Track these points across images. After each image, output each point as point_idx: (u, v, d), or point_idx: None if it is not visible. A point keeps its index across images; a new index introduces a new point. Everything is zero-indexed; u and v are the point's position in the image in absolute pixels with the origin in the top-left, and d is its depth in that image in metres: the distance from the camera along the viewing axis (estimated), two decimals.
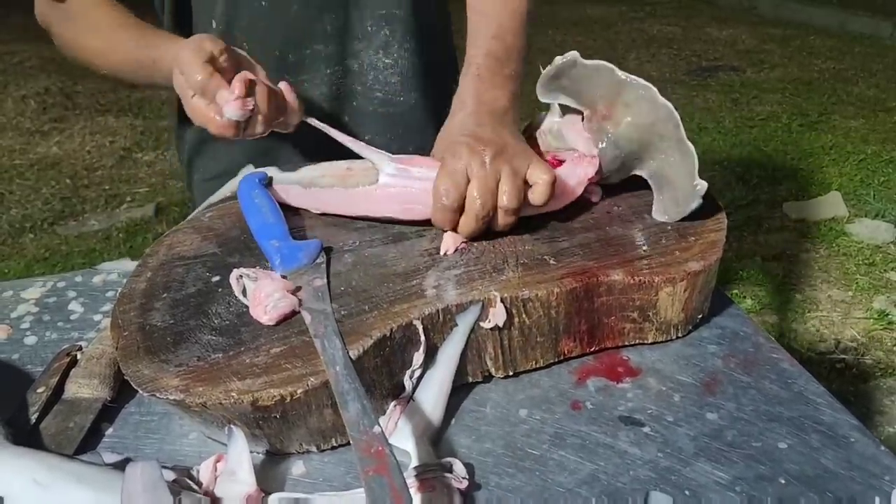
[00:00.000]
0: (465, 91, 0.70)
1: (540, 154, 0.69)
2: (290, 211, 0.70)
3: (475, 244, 0.64)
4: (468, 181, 0.61)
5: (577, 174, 0.67)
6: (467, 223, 0.62)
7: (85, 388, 0.58)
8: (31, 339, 0.68)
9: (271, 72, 0.73)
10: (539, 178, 0.62)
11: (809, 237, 2.43)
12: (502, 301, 0.57)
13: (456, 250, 0.63)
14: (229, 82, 0.64)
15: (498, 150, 0.62)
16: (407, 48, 0.87)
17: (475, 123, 0.66)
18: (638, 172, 0.69)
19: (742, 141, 3.25)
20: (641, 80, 0.63)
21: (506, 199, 0.61)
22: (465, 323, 0.57)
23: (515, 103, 0.69)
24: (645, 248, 0.63)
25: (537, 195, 0.62)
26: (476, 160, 0.61)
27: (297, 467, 0.53)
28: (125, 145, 3.43)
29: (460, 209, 0.61)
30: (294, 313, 0.56)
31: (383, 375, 0.55)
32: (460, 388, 0.59)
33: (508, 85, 0.70)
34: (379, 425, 0.45)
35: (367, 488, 0.42)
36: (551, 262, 0.61)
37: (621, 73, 0.64)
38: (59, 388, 0.59)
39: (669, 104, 0.62)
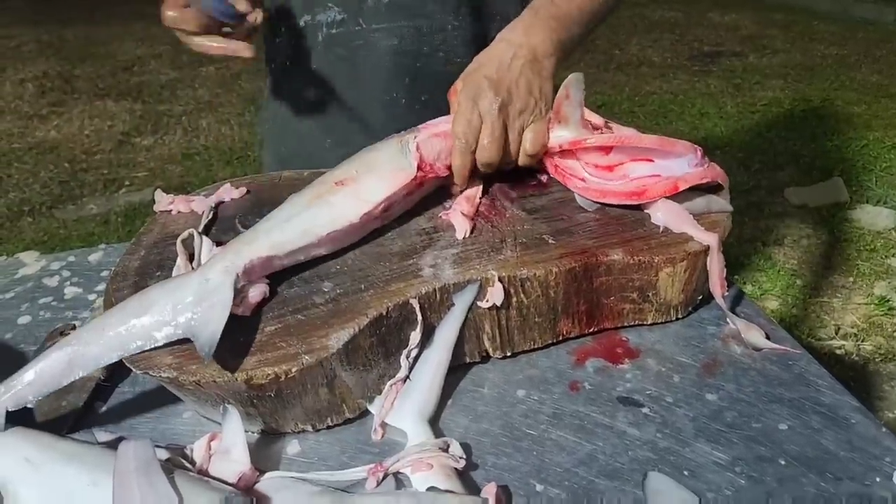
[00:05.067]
0: (518, 23, 0.70)
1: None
2: None
3: (476, 223, 0.63)
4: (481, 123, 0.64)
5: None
6: (482, 164, 0.66)
7: None
8: (24, 319, 0.68)
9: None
10: (527, 135, 0.66)
11: (811, 223, 2.42)
12: (500, 280, 0.56)
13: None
14: None
15: (514, 100, 0.65)
16: (473, 11, 0.86)
17: (511, 59, 0.67)
18: None
19: (744, 126, 3.24)
20: None
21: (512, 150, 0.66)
22: (462, 302, 0.56)
23: (558, 55, 0.70)
24: (645, 227, 0.62)
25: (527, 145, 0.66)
26: (490, 105, 0.64)
27: (292, 446, 0.53)
28: (124, 129, 3.42)
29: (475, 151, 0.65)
30: (266, 300, 0.55)
31: (379, 355, 0.54)
32: (458, 369, 0.59)
33: (560, 34, 0.70)
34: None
35: None
36: (550, 241, 0.60)
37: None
38: None
39: None
